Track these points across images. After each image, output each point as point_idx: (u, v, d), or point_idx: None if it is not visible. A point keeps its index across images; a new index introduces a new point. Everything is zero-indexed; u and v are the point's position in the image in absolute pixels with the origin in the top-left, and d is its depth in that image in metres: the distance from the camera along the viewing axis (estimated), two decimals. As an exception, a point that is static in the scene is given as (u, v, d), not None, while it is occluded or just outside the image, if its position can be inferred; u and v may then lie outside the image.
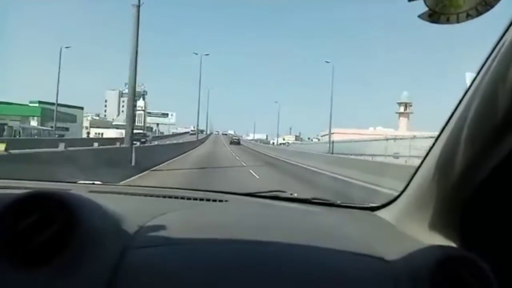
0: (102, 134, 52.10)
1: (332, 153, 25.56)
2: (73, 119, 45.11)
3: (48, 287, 0.56)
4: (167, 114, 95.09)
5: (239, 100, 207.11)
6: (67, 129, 44.36)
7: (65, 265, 0.56)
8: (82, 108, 51.35)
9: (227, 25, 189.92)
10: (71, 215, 0.60)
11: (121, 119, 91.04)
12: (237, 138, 58.09)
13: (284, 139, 66.49)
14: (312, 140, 76.61)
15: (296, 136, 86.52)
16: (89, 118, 78.19)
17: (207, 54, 46.95)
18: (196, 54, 46.08)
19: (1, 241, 0.57)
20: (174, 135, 59.72)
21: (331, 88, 31.57)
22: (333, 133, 34.10)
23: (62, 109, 43.35)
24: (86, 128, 66.72)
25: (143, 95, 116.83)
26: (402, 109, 58.65)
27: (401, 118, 58.59)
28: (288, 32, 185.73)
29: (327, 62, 34.02)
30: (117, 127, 74.16)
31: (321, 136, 59.81)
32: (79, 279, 0.57)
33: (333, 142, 28.29)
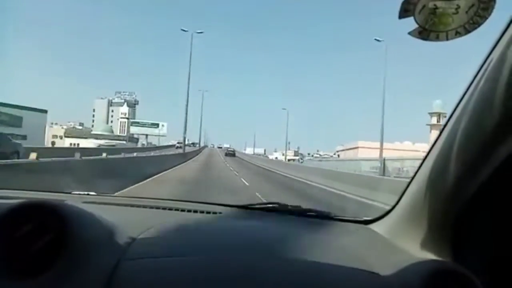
0: (78, 144, 46.44)
1: (383, 174, 15.94)
2: (16, 122, 34.02)
3: None
4: (157, 125, 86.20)
5: (235, 115, 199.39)
6: (24, 137, 33.83)
7: (58, 274, 0.57)
8: (45, 112, 40.74)
9: (223, 31, 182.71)
10: (64, 225, 0.60)
11: (100, 129, 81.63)
12: (232, 150, 55.37)
13: (283, 154, 59.03)
14: (312, 156, 71.28)
15: (295, 151, 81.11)
16: (65, 126, 69.37)
17: (200, 32, 33.23)
18: (186, 31, 32.36)
19: None
20: (153, 148, 48.33)
21: (383, 81, 21.55)
22: (356, 147, 24.50)
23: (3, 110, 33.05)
24: (60, 137, 57.84)
25: (134, 104, 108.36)
26: (434, 120, 49.79)
27: (433, 131, 49.53)
28: (293, 38, 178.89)
29: (378, 40, 22.63)
30: (96, 137, 65.45)
31: (337, 152, 50.54)
32: None
33: (384, 159, 18.62)
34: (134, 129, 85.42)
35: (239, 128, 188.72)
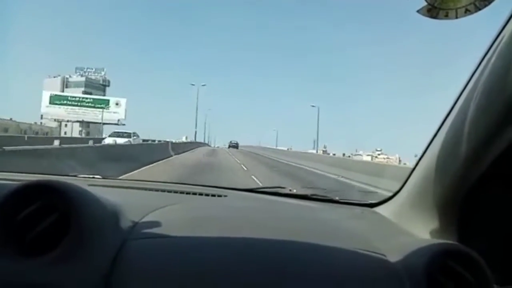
0: None
1: None
2: None
3: (47, 273, 0.56)
4: (105, 102, 48.29)
5: (255, 113, 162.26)
6: None
7: (64, 253, 0.57)
8: None
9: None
10: (70, 204, 0.61)
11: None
12: (235, 142, 52.64)
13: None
14: (349, 156, 55.14)
15: (323, 150, 66.30)
16: None
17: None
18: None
19: (3, 229, 0.58)
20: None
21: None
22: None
23: None
24: None
25: (103, 85, 72.29)
26: None
27: None
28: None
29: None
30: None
31: None
32: (77, 267, 0.57)
33: None
34: (57, 111, 47.38)
35: (259, 126, 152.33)
